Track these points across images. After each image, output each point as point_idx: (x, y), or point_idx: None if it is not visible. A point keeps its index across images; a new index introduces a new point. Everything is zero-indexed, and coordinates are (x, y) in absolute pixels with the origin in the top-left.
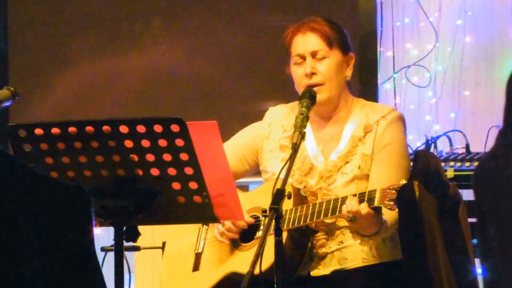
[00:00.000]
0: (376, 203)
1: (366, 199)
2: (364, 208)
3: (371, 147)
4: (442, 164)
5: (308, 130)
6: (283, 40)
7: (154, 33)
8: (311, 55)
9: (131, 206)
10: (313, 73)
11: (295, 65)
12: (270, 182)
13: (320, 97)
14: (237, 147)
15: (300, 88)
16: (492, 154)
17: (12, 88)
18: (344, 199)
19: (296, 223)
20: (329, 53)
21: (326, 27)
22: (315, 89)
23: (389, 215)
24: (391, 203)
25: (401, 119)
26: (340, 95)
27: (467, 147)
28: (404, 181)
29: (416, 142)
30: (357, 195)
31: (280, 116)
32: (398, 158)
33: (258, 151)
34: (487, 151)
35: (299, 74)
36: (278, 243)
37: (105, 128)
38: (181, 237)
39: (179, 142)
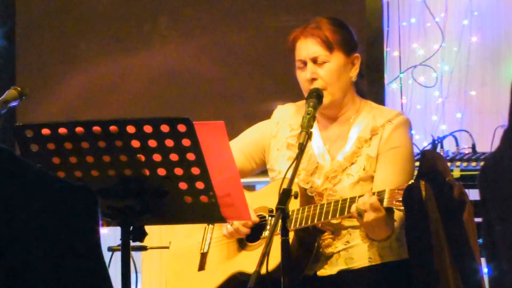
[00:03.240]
0: (385, 204)
1: None
2: (375, 202)
3: (376, 149)
4: (449, 164)
5: (315, 129)
6: (286, 44)
7: (162, 33)
8: (312, 61)
9: (138, 206)
10: (314, 78)
11: (298, 69)
12: (276, 181)
13: (323, 101)
14: (244, 145)
15: (304, 92)
16: (498, 153)
17: (19, 88)
18: (352, 200)
19: (303, 223)
20: (329, 57)
21: (327, 31)
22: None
23: (396, 215)
24: (401, 203)
25: (407, 123)
26: (344, 97)
27: (473, 147)
28: (412, 182)
29: (422, 142)
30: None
31: (288, 115)
32: (404, 161)
33: (266, 150)
34: (493, 151)
35: (302, 79)
36: (284, 243)
37: (112, 128)
38: (186, 236)
39: (186, 142)
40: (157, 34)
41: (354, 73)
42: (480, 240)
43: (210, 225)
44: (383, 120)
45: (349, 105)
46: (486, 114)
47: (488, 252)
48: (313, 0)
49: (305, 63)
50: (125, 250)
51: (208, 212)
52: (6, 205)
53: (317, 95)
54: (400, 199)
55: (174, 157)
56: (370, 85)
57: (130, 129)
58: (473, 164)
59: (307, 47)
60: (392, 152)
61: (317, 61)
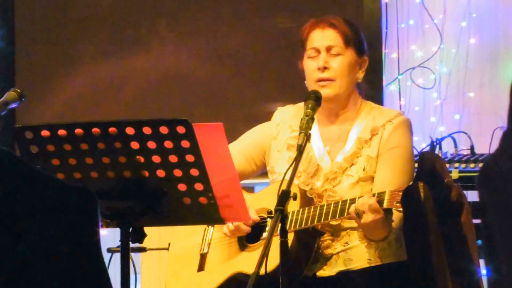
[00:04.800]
0: (385, 205)
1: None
2: (374, 203)
3: (376, 150)
4: (447, 165)
5: (315, 130)
6: (300, 33)
7: (160, 35)
8: (326, 50)
9: (137, 207)
10: (325, 68)
11: (309, 58)
12: (276, 183)
13: (328, 92)
14: (244, 147)
15: (310, 82)
16: (497, 155)
17: (18, 90)
18: (352, 201)
19: (303, 224)
20: (344, 51)
21: (345, 26)
22: (325, 84)
23: (394, 216)
24: (400, 205)
25: (408, 123)
26: (349, 95)
27: (472, 148)
28: (411, 183)
29: (421, 144)
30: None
31: (288, 117)
32: (404, 161)
33: (266, 151)
34: (492, 152)
35: (311, 68)
36: (283, 244)
37: (111, 129)
38: (186, 237)
39: (185, 144)
40: (156, 36)
41: (361, 75)
42: (479, 242)
43: (209, 226)
44: (383, 120)
45: (351, 105)
46: (485, 116)
47: (487, 253)
48: (312, 1)
49: (318, 52)
50: (125, 252)
51: (207, 213)
52: (6, 207)
53: (315, 97)
54: (400, 200)
55: (173, 158)
56: (369, 87)
57: (129, 130)
58: (472, 165)
59: (324, 36)
60: (392, 152)
61: (331, 51)
